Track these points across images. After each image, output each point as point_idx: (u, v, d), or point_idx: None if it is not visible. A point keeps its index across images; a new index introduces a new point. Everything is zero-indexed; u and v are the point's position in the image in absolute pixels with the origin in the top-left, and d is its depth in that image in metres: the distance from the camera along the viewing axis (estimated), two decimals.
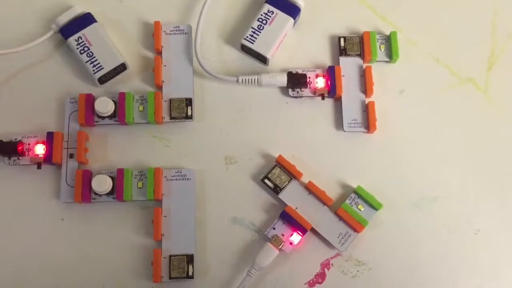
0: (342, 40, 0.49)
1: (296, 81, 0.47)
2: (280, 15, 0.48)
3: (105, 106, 0.45)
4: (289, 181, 0.45)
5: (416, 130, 0.47)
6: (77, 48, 0.47)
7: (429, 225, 0.45)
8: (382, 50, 0.49)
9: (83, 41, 0.47)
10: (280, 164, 0.45)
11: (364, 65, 0.48)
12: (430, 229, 0.45)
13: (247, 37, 0.48)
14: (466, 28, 0.50)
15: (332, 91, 0.47)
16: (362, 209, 0.44)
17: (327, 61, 0.49)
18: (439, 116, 0.48)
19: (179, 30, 0.48)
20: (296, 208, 0.44)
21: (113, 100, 0.46)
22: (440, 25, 0.50)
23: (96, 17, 0.48)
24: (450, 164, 0.46)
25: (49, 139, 0.45)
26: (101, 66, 0.46)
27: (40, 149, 0.45)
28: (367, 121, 0.46)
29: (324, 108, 0.48)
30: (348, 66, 0.48)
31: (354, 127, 0.47)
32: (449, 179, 0.46)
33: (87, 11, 0.48)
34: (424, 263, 0.44)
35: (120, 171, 0.44)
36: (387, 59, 0.49)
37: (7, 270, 0.43)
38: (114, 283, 0.43)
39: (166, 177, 0.45)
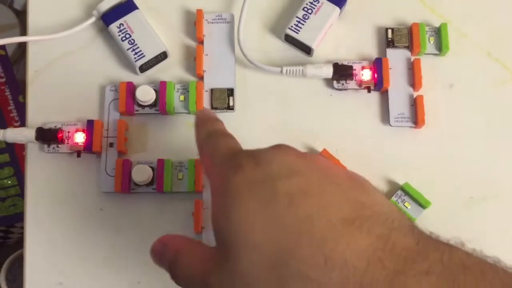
0: (389, 31, 0.47)
1: (342, 72, 0.45)
2: (326, 4, 0.46)
3: (146, 94, 0.44)
4: None
5: (466, 126, 0.45)
6: (119, 36, 0.46)
7: (479, 226, 0.43)
8: (431, 42, 0.47)
9: (124, 28, 0.46)
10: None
11: (413, 58, 0.46)
12: (480, 230, 0.43)
13: (291, 26, 0.46)
14: None
15: (379, 84, 0.45)
16: (409, 207, 0.43)
17: (373, 53, 0.47)
18: (491, 112, 0.46)
19: (222, 19, 0.47)
20: None
21: (153, 89, 0.45)
22: (492, 17, 0.48)
23: (137, 4, 0.47)
24: (502, 162, 0.44)
25: (89, 127, 0.44)
26: (142, 54, 0.45)
27: (80, 137, 0.44)
28: (415, 116, 0.45)
29: (370, 101, 0.46)
30: (396, 58, 0.46)
31: (401, 121, 0.45)
32: (501, 177, 0.44)
33: None
34: None
35: (161, 162, 0.43)
36: (436, 52, 0.47)
37: (45, 260, 0.43)
38: (152, 275, 0.42)
39: None
